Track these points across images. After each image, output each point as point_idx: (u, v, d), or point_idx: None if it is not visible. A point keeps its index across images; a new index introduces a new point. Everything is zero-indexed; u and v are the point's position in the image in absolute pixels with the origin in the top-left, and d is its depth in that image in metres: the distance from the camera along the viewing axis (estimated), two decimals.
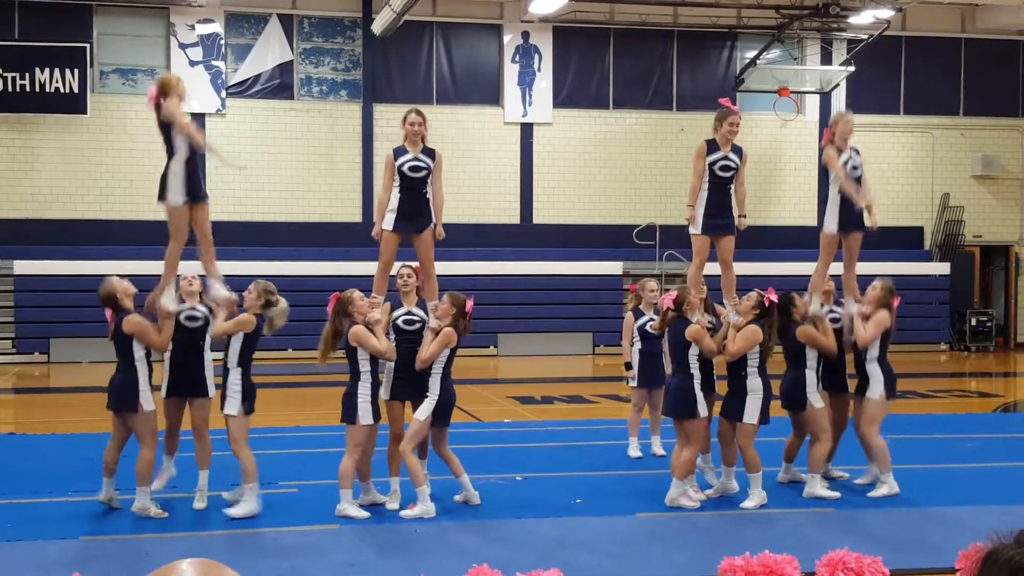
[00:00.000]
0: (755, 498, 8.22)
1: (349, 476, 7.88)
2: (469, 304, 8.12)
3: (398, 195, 8.44)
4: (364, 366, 7.94)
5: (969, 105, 23.62)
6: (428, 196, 8.50)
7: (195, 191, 8.00)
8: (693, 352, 8.20)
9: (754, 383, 8.27)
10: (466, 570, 6.07)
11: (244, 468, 7.84)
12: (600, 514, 7.99)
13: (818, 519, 7.91)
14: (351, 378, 7.98)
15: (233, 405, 7.87)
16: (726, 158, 8.76)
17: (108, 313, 7.99)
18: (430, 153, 8.49)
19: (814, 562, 6.33)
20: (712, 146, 8.78)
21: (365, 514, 7.87)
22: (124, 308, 7.93)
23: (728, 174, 8.77)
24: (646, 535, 7.46)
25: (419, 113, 8.55)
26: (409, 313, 8.36)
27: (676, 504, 8.10)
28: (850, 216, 8.83)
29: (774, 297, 8.36)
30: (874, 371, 8.49)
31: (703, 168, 8.73)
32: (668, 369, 10.13)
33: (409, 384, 8.22)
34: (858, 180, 8.87)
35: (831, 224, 8.86)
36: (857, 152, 8.97)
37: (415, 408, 8.26)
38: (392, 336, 8.27)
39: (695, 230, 8.81)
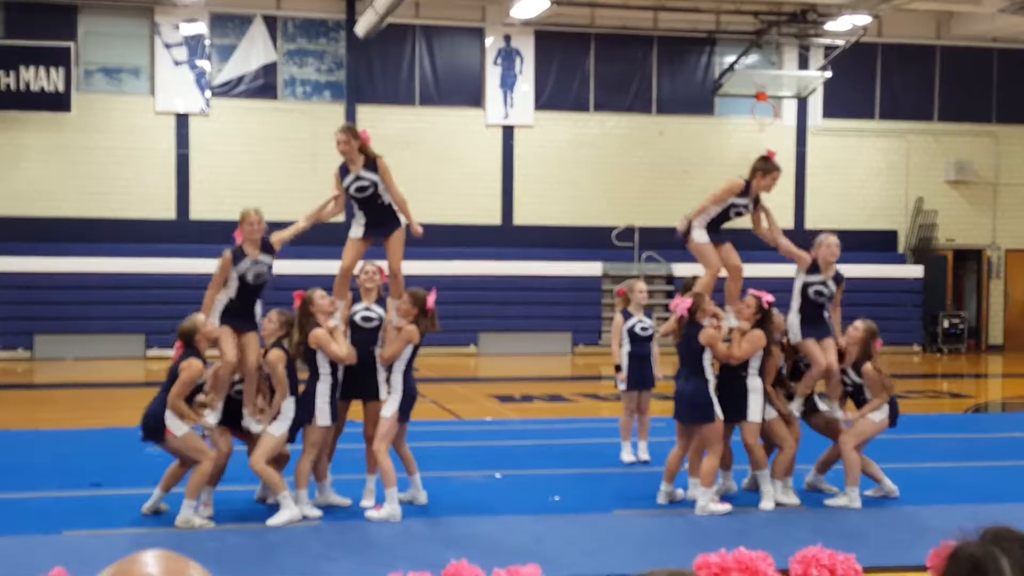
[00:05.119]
0: (770, 497, 8.28)
1: (305, 476, 7.90)
2: (430, 300, 8.06)
3: (361, 211, 8.41)
4: (324, 367, 7.94)
5: (943, 111, 23.96)
6: (387, 203, 8.38)
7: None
8: (707, 356, 8.23)
9: (754, 383, 8.33)
10: (444, 566, 6.19)
11: (270, 482, 7.86)
12: (578, 511, 8.14)
13: (792, 517, 8.08)
14: (310, 377, 7.97)
15: (279, 428, 7.89)
16: (747, 206, 8.79)
17: (178, 345, 7.88)
18: (372, 166, 8.33)
19: (788, 559, 6.52)
20: (746, 190, 8.72)
21: (318, 513, 7.90)
22: (197, 350, 7.84)
23: (739, 216, 8.85)
24: (623, 532, 7.63)
25: (346, 131, 8.38)
26: (368, 309, 8.34)
27: (707, 512, 8.03)
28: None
29: (771, 298, 8.42)
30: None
31: (725, 202, 8.72)
32: (658, 371, 10.12)
33: (358, 383, 8.18)
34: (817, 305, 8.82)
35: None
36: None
37: (364, 406, 8.28)
38: (348, 332, 8.25)
39: (703, 239, 8.74)
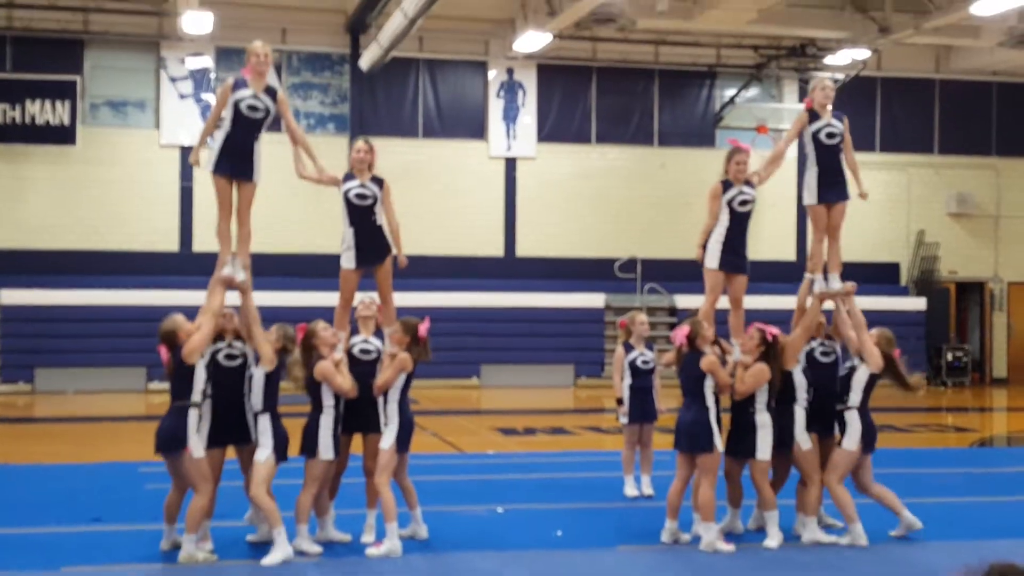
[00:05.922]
0: (775, 537, 8.12)
1: (305, 511, 7.79)
2: (422, 328, 8.01)
3: (351, 228, 8.42)
4: (328, 400, 7.87)
5: (944, 144, 24.08)
6: (380, 224, 8.44)
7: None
8: (708, 384, 8.09)
9: (763, 419, 8.16)
10: None
11: (268, 515, 7.62)
12: (581, 547, 8.09)
13: (798, 554, 8.01)
14: (313, 410, 7.89)
15: (264, 452, 7.69)
16: (741, 192, 8.78)
17: (163, 351, 7.65)
18: (378, 182, 8.46)
19: None
20: (727, 185, 8.78)
21: (318, 549, 7.78)
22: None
23: (747, 208, 8.80)
24: (627, 568, 7.58)
25: (367, 142, 8.55)
26: (366, 342, 8.32)
27: (713, 549, 7.89)
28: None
29: (775, 331, 8.26)
30: (852, 420, 8.26)
31: (718, 209, 8.74)
32: (659, 404, 10.01)
33: (358, 416, 8.13)
34: (831, 150, 8.82)
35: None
36: (838, 119, 8.88)
37: (364, 439, 8.24)
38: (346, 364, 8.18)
39: (712, 265, 8.76)
